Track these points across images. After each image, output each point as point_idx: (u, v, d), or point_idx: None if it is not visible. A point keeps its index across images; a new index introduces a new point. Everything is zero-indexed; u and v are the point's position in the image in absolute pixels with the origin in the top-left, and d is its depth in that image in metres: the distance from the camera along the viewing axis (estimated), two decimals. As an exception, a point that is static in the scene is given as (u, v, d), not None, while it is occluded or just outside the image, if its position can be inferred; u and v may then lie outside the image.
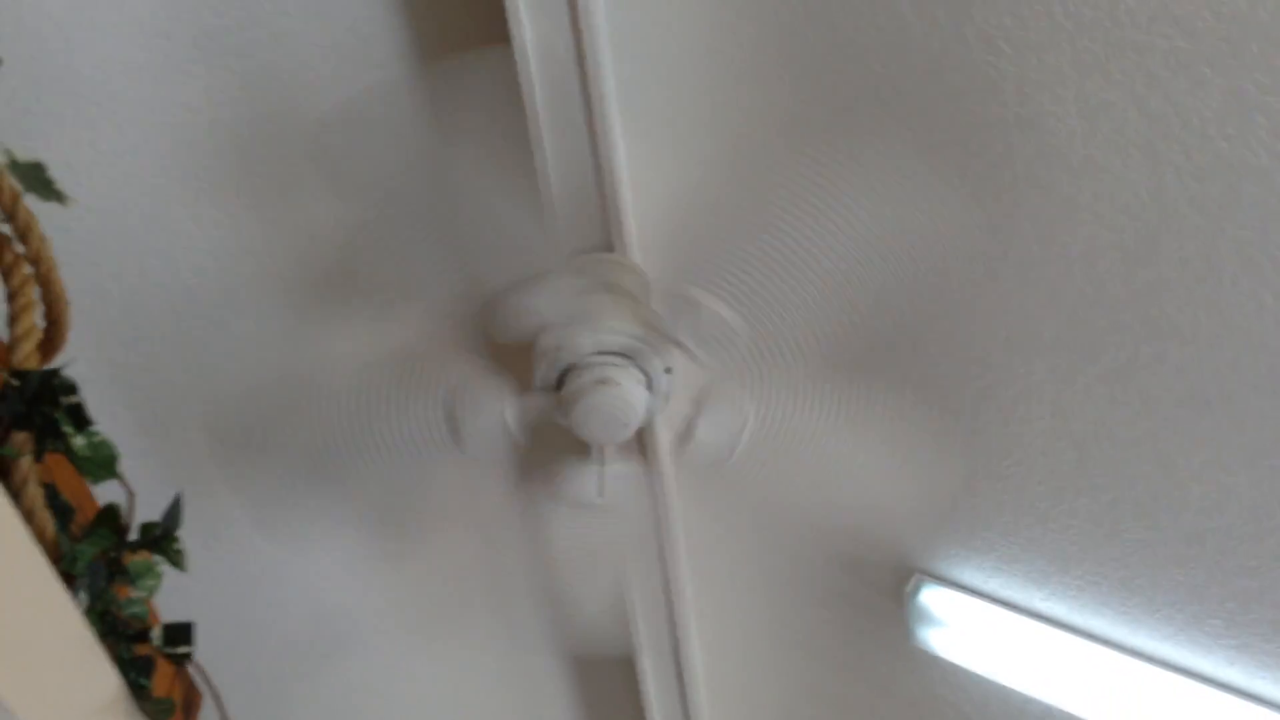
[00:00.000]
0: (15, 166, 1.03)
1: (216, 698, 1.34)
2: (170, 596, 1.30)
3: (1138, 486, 1.54)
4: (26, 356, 1.08)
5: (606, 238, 1.54)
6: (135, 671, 1.13)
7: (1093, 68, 1.23)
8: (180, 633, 1.21)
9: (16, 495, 1.04)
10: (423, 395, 1.39)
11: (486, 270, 1.37)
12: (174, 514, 1.16)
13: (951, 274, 1.49)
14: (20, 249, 1.10)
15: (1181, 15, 1.15)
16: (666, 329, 1.38)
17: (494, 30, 1.35)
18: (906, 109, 1.38)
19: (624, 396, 1.36)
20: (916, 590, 1.89)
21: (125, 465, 1.19)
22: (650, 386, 1.43)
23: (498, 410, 1.40)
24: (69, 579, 1.08)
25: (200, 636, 1.32)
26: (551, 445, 1.51)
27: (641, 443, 1.76)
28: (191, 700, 1.30)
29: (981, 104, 1.32)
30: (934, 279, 1.49)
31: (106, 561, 1.12)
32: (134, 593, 1.15)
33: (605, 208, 1.51)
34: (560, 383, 1.41)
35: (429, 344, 1.71)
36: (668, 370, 1.43)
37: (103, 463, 1.08)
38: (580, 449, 1.55)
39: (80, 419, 1.06)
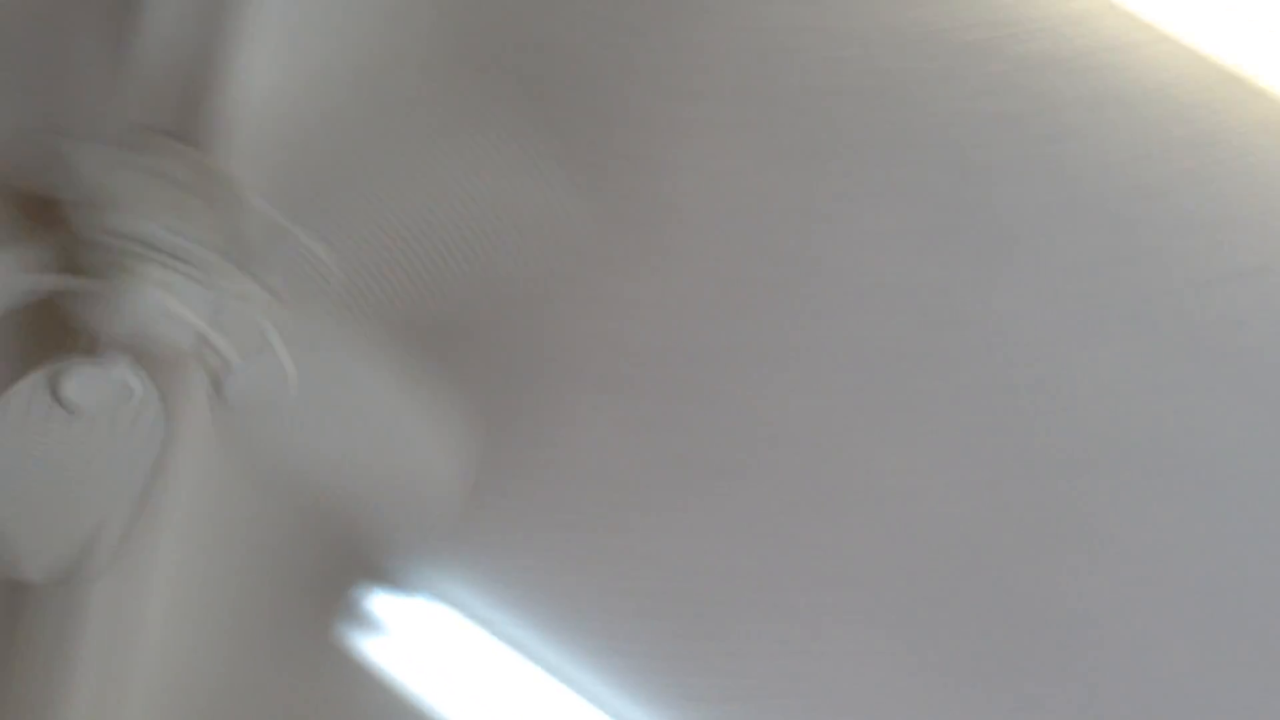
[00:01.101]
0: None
1: None
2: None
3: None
4: None
5: (194, 128, 1.38)
6: None
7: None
8: None
9: None
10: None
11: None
12: None
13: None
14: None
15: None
16: (251, 250, 1.22)
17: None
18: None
19: (176, 306, 1.18)
20: (362, 594, 1.88)
21: None
22: (212, 307, 1.23)
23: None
24: None
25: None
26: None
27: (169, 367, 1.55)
28: None
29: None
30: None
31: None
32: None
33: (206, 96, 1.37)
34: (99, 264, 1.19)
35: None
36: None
37: None
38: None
39: None
